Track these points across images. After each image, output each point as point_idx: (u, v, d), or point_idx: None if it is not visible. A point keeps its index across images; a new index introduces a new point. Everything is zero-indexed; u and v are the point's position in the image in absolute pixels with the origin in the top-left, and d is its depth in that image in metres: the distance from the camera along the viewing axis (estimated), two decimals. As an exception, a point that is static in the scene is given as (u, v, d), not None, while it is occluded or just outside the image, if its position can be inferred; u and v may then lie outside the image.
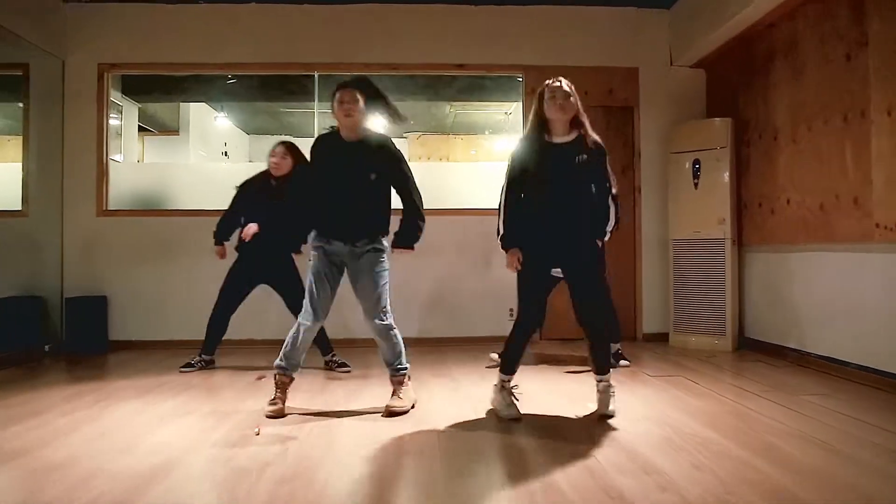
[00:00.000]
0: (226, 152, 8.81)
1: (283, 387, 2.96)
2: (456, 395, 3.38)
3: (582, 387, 3.47)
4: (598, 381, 2.92)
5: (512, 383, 2.92)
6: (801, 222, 4.11)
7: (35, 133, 5.09)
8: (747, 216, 4.78)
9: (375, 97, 2.95)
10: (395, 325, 3.01)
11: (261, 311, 4.50)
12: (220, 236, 4.12)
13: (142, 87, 6.24)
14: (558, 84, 2.81)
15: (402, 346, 3.06)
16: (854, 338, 3.65)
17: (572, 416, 2.93)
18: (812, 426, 2.70)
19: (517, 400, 2.91)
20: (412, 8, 5.27)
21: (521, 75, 5.37)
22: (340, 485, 2.05)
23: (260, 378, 2.65)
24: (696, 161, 4.90)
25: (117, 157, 5.62)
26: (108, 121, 5.28)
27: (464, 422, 2.85)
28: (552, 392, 3.44)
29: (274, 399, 2.93)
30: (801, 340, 4.15)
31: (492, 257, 5.05)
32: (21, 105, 5.17)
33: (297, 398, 3.16)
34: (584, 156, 2.77)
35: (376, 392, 3.38)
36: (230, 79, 6.28)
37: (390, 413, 2.91)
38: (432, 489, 2.03)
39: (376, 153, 2.94)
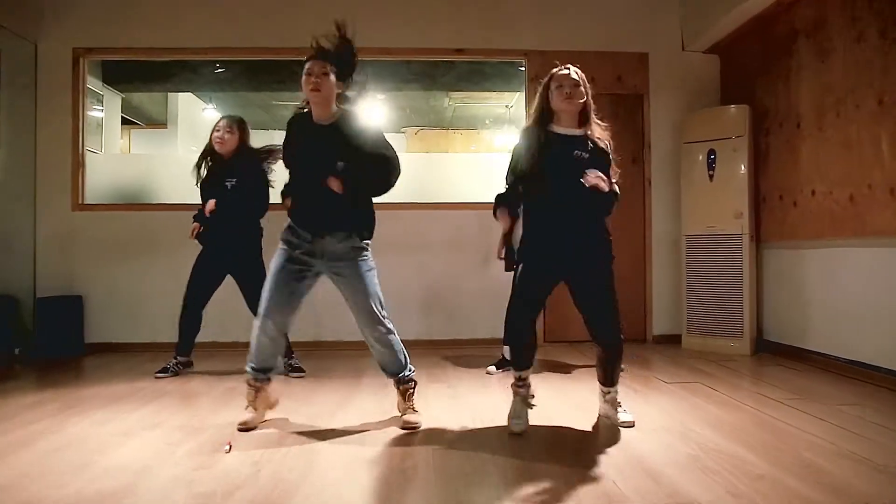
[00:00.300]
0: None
1: (253, 394, 2.65)
2: (455, 404, 3.08)
3: (593, 395, 3.17)
4: (606, 393, 2.66)
5: (531, 390, 2.63)
6: (828, 215, 3.80)
7: (5, 122, 4.77)
8: (766, 210, 4.47)
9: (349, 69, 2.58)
10: (394, 330, 2.68)
11: (244, 310, 4.19)
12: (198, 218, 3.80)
13: (124, 75, 5.92)
14: (566, 72, 2.53)
15: (404, 350, 2.74)
16: (887, 340, 3.35)
17: (587, 427, 2.63)
18: (850, 440, 2.40)
19: (531, 408, 2.62)
20: (406, -12, 4.97)
21: (523, 61, 5.06)
22: (318, 517, 1.75)
23: (229, 447, 2.32)
24: (712, 151, 4.59)
25: (98, 150, 5.31)
26: (84, 109, 4.97)
27: (463, 434, 2.55)
28: (560, 400, 3.14)
29: (248, 407, 2.62)
30: (826, 343, 3.85)
31: (491, 255, 4.75)
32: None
33: (278, 409, 2.84)
34: (585, 154, 2.47)
35: (367, 404, 3.07)
36: (218, 67, 5.98)
37: (408, 427, 2.60)
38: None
39: (349, 138, 2.52)
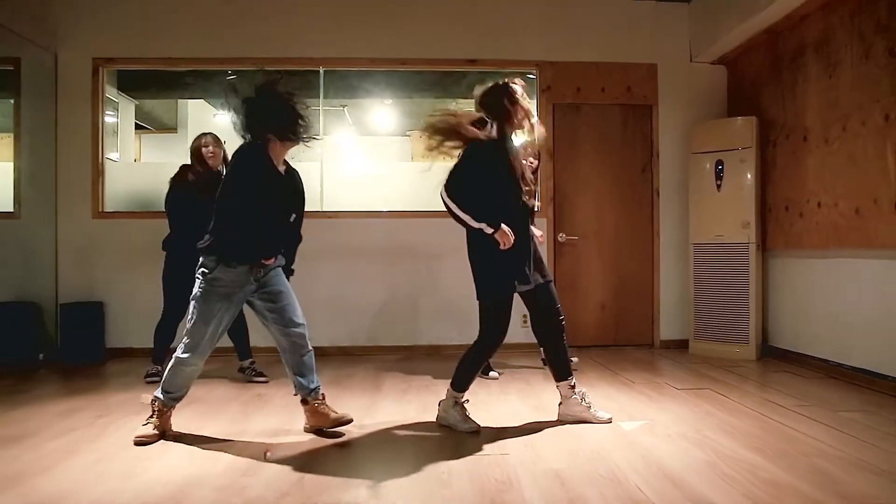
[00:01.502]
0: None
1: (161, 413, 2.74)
2: (474, 409, 3.19)
3: (603, 399, 3.29)
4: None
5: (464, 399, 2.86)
6: (833, 227, 3.92)
7: (27, 131, 4.87)
8: (772, 220, 4.60)
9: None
10: None
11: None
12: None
13: (138, 83, 6.00)
14: None
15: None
16: (890, 349, 3.47)
17: (601, 431, 2.75)
18: (860, 448, 2.52)
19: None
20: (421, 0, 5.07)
21: (534, 71, 5.17)
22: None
23: (270, 454, 2.45)
24: (719, 162, 4.71)
25: (114, 155, 5.41)
26: (103, 118, 5.06)
27: (487, 435, 2.66)
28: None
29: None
30: (832, 350, 3.97)
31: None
32: (12, 102, 4.94)
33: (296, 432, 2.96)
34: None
35: (390, 408, 3.19)
36: (230, 74, 6.07)
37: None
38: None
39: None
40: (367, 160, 9.01)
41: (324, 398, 2.78)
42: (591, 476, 2.22)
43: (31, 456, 2.47)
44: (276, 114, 2.55)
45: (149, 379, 3.88)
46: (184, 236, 3.66)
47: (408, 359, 4.70)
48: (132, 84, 5.96)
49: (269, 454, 2.46)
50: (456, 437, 2.73)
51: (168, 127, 7.95)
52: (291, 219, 2.84)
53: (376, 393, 3.58)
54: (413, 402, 3.35)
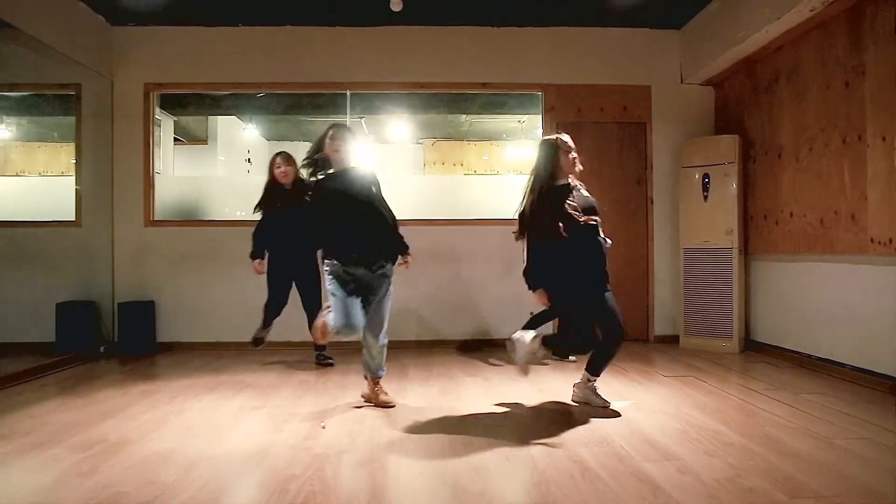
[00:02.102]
0: (249, 159, 9.19)
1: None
2: (489, 393, 3.75)
3: (605, 387, 3.84)
4: (589, 381, 3.40)
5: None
6: (803, 235, 4.46)
7: (87, 148, 5.48)
8: (753, 227, 5.14)
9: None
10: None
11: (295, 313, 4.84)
12: (258, 253, 4.47)
13: (178, 101, 6.61)
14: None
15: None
16: (852, 342, 4.01)
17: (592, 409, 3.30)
18: (811, 422, 3.05)
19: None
20: (438, 30, 5.62)
21: (540, 93, 5.72)
22: (414, 466, 2.42)
23: (325, 426, 3.11)
24: (706, 175, 5.26)
25: (156, 167, 5.99)
26: (153, 137, 5.66)
27: (497, 416, 3.22)
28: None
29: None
30: (803, 343, 4.50)
31: (512, 265, 5.43)
32: (72, 120, 5.55)
33: (348, 395, 3.55)
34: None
35: (418, 389, 3.76)
36: (260, 94, 6.66)
37: (386, 405, 3.39)
38: (482, 468, 2.40)
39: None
40: (383, 167, 9.58)
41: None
42: (585, 441, 2.78)
43: (132, 425, 3.05)
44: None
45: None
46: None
47: (427, 352, 5.26)
48: (171, 102, 6.56)
49: (324, 425, 3.02)
50: (473, 410, 3.29)
51: (199, 139, 8.56)
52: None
53: (403, 379, 4.14)
54: (435, 387, 3.91)
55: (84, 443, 2.76)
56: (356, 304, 3.19)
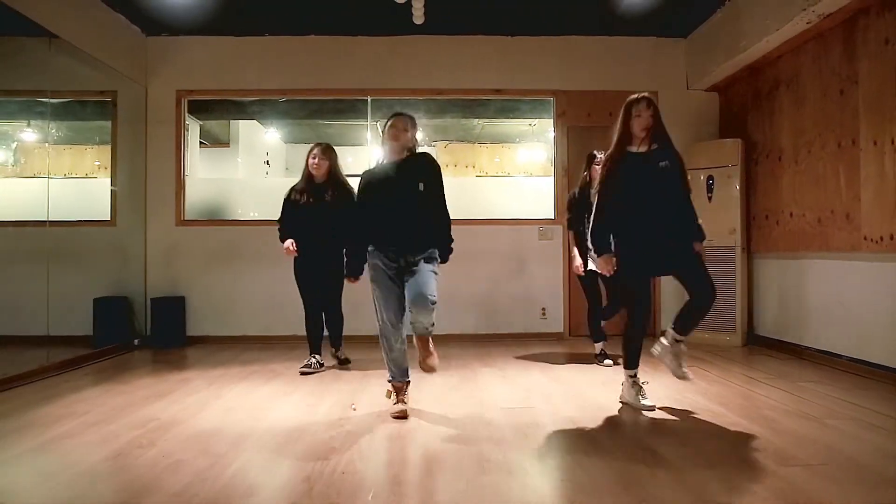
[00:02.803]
0: (267, 161, 9.49)
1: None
2: (506, 384, 4.01)
3: (609, 371, 4.09)
4: (679, 341, 3.30)
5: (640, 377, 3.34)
6: (801, 234, 4.69)
7: (122, 151, 5.79)
8: (755, 227, 5.37)
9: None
10: None
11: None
12: (285, 235, 4.30)
13: (203, 106, 6.90)
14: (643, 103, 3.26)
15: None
16: (846, 334, 4.23)
17: (610, 398, 3.55)
18: (806, 405, 3.29)
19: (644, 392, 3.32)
20: (454, 39, 5.89)
21: (551, 98, 5.98)
22: (440, 440, 2.69)
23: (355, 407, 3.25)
24: (710, 177, 5.50)
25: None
26: (184, 141, 5.96)
27: (514, 408, 3.48)
28: (588, 377, 4.07)
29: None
30: (802, 336, 4.73)
31: (525, 263, 5.70)
32: (108, 125, 5.87)
33: (373, 382, 3.82)
34: (667, 162, 3.20)
35: (436, 379, 4.03)
36: (283, 99, 6.95)
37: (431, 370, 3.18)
38: (502, 448, 2.66)
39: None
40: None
41: (407, 385, 3.30)
42: (595, 420, 3.03)
43: (178, 407, 3.33)
44: None
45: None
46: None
47: (445, 344, 5.51)
48: (199, 107, 6.86)
49: (354, 406, 3.29)
50: (491, 396, 3.55)
51: (222, 142, 8.87)
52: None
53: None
54: (455, 376, 4.17)
55: (138, 421, 3.04)
56: (396, 294, 3.14)
